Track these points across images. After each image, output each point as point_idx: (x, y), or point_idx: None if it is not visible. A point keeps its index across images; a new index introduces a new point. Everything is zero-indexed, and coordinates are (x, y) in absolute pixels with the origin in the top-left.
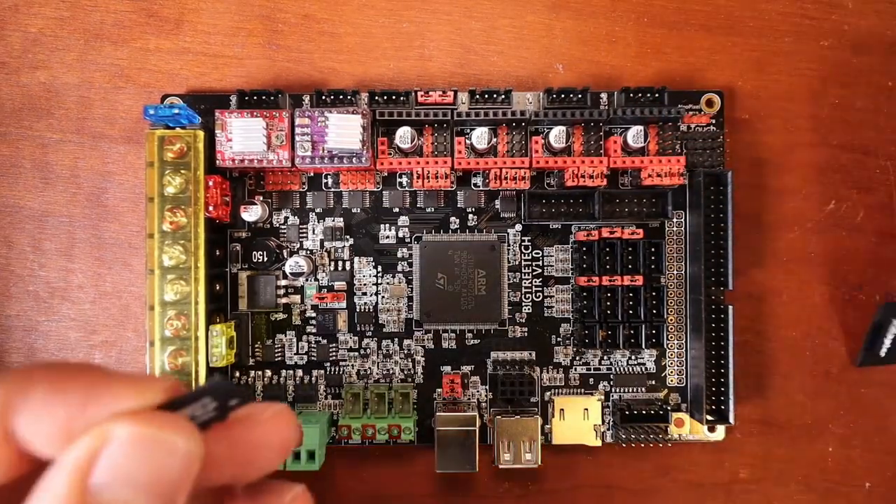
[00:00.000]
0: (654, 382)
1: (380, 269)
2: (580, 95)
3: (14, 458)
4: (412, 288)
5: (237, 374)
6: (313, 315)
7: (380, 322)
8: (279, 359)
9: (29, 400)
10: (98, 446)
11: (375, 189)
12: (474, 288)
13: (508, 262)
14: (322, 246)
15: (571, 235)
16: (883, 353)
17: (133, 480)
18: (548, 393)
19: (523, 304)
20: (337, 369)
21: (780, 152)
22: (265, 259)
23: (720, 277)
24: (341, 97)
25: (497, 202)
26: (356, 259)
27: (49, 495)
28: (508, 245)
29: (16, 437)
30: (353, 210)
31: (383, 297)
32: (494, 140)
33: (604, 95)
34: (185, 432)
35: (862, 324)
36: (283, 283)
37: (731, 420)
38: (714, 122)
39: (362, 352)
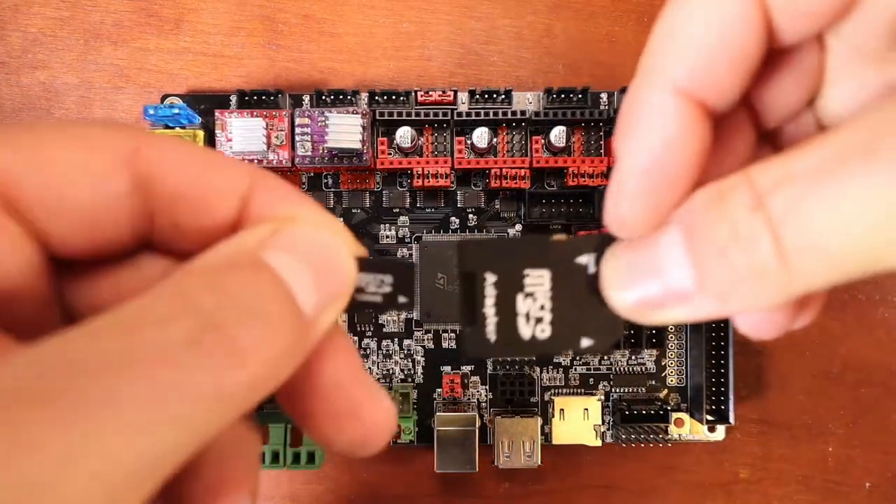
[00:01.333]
0: (654, 382)
1: None
2: (580, 95)
3: (139, 207)
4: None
5: None
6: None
7: (380, 322)
8: None
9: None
10: (283, 226)
11: (375, 189)
12: None
13: None
14: None
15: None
16: (491, 333)
17: (302, 261)
18: (548, 393)
19: None
20: None
21: None
22: None
23: None
24: (341, 97)
25: (497, 202)
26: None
27: (228, 248)
28: None
29: (151, 185)
30: (353, 210)
31: None
32: (495, 140)
33: (604, 95)
34: (352, 276)
35: (862, 323)
36: None
37: (731, 420)
38: None
39: (362, 352)
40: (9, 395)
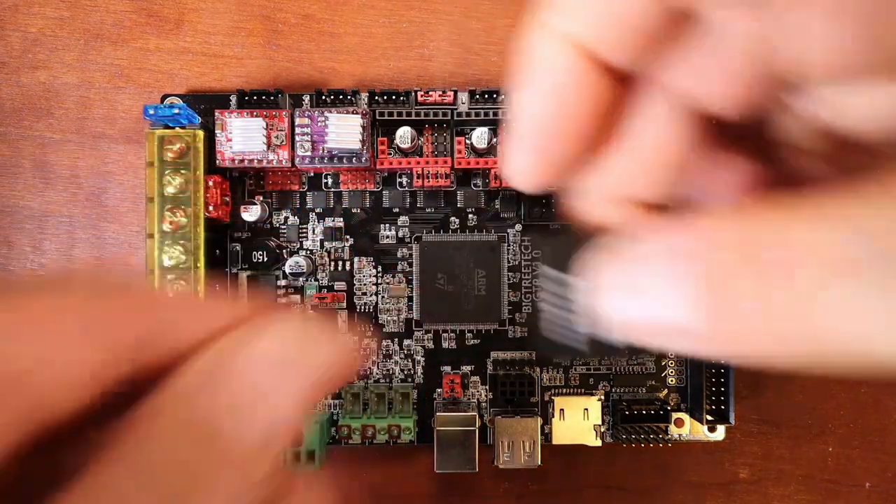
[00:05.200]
0: (654, 382)
1: (380, 269)
2: None
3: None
4: (412, 288)
5: None
6: (313, 315)
7: (379, 322)
8: None
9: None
10: (252, 331)
11: (375, 189)
12: (474, 288)
13: (508, 262)
14: (322, 246)
15: None
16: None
17: (280, 360)
18: (548, 393)
19: (523, 304)
20: None
21: None
22: (265, 259)
23: None
24: (341, 97)
25: (497, 202)
26: (356, 259)
27: (180, 407)
28: (508, 245)
29: None
30: (353, 210)
31: (383, 297)
32: (495, 140)
33: None
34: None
35: None
36: (282, 283)
37: (731, 420)
38: None
39: (362, 352)
40: None
